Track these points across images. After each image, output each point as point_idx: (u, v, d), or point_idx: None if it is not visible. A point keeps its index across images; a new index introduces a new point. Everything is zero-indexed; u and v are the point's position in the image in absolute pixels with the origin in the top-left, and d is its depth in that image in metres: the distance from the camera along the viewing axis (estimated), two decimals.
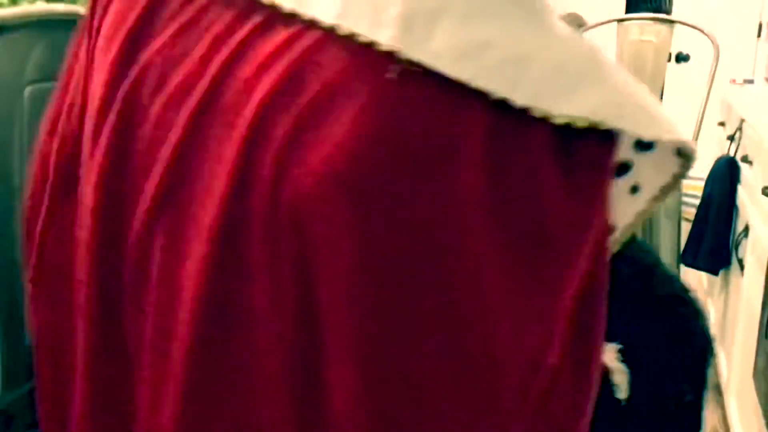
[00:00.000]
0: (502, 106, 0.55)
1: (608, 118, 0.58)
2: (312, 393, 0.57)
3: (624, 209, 0.67)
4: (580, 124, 0.57)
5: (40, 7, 1.20)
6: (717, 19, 4.42)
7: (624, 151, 0.64)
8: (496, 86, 0.54)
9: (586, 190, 0.58)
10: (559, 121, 0.56)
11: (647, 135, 0.62)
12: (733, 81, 3.73)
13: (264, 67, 0.56)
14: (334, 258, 0.54)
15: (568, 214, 0.57)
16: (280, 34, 0.57)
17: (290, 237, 0.55)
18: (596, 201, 0.59)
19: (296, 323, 0.57)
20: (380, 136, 0.53)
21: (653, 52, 3.29)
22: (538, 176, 0.56)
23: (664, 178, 0.68)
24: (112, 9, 0.72)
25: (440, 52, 0.54)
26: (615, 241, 0.68)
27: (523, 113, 0.55)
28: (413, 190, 0.54)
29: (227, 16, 0.61)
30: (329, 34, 0.55)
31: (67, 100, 0.80)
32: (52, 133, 0.81)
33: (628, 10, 5.14)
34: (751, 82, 3.81)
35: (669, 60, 4.46)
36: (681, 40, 4.32)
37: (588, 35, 3.34)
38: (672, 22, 3.38)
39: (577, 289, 0.58)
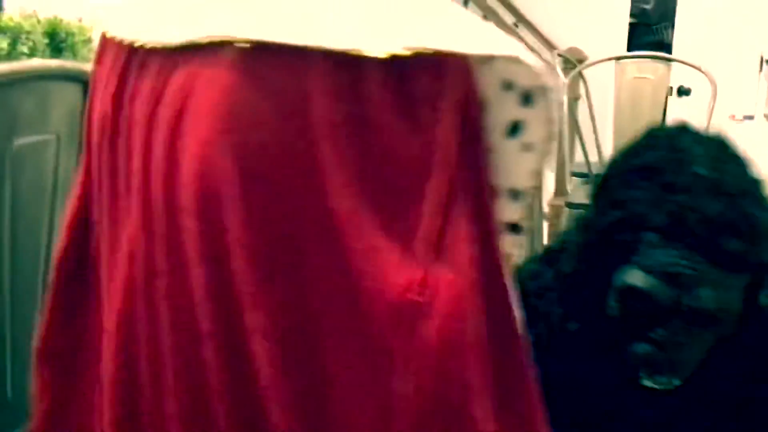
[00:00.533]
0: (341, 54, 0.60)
1: (429, 44, 0.60)
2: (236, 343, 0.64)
3: (520, 169, 0.70)
4: (403, 53, 0.60)
5: (34, 63, 1.23)
6: (718, 53, 4.45)
7: (512, 109, 0.68)
8: (313, 41, 0.60)
9: (424, 125, 0.61)
10: (380, 55, 0.60)
11: (472, 52, 0.63)
12: (733, 117, 3.74)
13: (169, 100, 0.67)
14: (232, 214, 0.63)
15: (408, 150, 0.61)
16: (179, 72, 0.67)
17: (194, 210, 0.64)
18: (435, 135, 0.61)
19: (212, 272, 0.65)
20: (235, 111, 0.62)
21: (651, 88, 3.31)
22: (378, 118, 0.60)
23: (546, 128, 0.69)
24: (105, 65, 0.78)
25: (266, 25, 0.62)
26: (526, 207, 0.72)
27: (359, 58, 0.60)
28: (272, 152, 0.61)
29: (152, 76, 0.70)
30: (200, 50, 0.65)
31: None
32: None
33: (629, 43, 5.18)
34: (751, 118, 3.82)
35: (670, 94, 4.48)
36: (683, 74, 4.34)
37: (589, 72, 3.37)
38: (669, 60, 3.40)
39: (430, 229, 0.61)
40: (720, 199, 0.96)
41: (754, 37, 4.57)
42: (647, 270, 0.98)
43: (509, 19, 4.72)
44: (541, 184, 0.69)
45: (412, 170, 0.61)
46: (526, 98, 0.68)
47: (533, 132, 0.69)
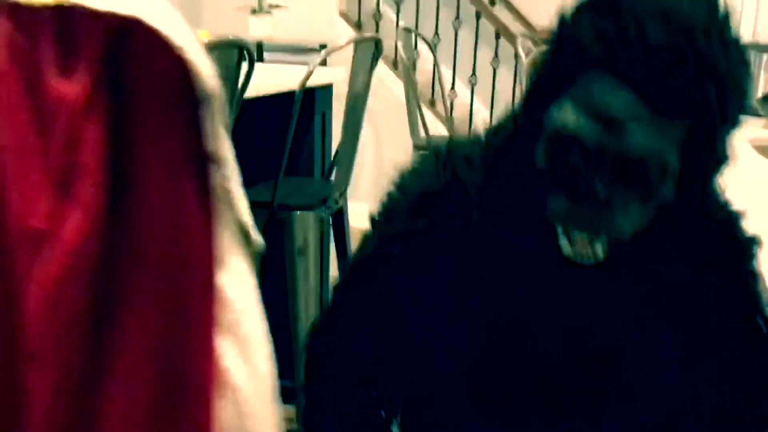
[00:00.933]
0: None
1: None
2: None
3: (210, 135, 0.76)
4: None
5: None
6: None
7: (201, 82, 0.74)
8: None
9: (67, 75, 0.67)
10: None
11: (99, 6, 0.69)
12: None
13: None
14: None
15: (58, 96, 0.68)
16: None
17: None
18: (87, 79, 0.68)
19: None
20: None
21: None
22: (42, 64, 0.68)
23: (220, 96, 0.76)
24: None
25: None
26: (220, 175, 0.77)
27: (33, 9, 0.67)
28: None
29: None
30: None
31: None
32: None
33: None
34: None
35: None
36: None
37: None
38: None
39: (61, 168, 0.68)
40: (671, 28, 0.83)
41: None
42: (576, 106, 0.86)
43: None
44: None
45: (57, 108, 0.68)
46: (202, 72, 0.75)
47: (214, 100, 0.75)
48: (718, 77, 0.84)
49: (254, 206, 2.51)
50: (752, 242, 1.03)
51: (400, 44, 3.57)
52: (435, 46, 4.34)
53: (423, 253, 1.02)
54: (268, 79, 2.57)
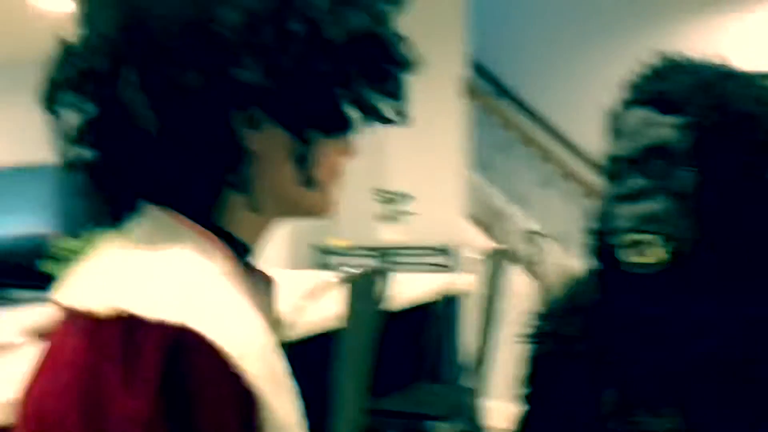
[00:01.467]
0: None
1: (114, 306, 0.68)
2: None
3: None
4: (105, 313, 0.68)
5: None
6: None
7: None
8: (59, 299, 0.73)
9: (141, 385, 0.66)
10: (99, 314, 0.68)
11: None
12: None
13: None
14: None
15: (126, 411, 0.66)
16: None
17: None
18: (150, 394, 0.66)
19: None
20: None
21: None
22: (101, 377, 0.67)
23: None
24: None
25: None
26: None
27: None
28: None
29: None
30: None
31: None
32: None
33: None
34: None
35: None
36: None
37: None
38: None
39: None
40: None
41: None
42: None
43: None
44: None
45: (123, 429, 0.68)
46: None
47: (264, 401, 0.75)
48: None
49: (390, 416, 2.49)
50: None
51: (524, 246, 3.64)
52: (563, 241, 4.39)
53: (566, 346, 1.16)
54: (402, 290, 2.65)
